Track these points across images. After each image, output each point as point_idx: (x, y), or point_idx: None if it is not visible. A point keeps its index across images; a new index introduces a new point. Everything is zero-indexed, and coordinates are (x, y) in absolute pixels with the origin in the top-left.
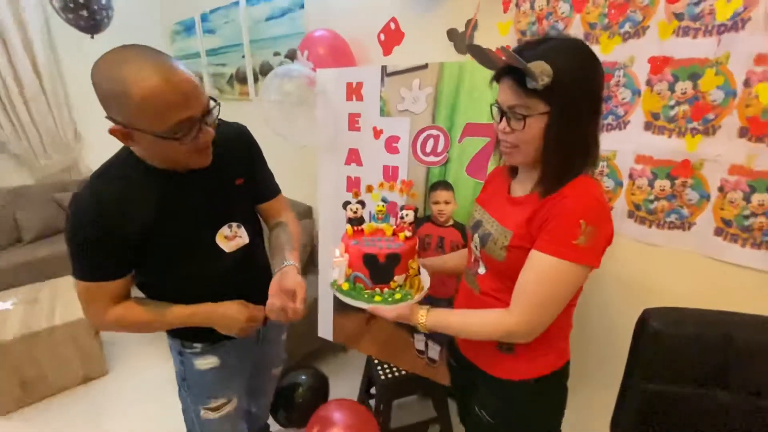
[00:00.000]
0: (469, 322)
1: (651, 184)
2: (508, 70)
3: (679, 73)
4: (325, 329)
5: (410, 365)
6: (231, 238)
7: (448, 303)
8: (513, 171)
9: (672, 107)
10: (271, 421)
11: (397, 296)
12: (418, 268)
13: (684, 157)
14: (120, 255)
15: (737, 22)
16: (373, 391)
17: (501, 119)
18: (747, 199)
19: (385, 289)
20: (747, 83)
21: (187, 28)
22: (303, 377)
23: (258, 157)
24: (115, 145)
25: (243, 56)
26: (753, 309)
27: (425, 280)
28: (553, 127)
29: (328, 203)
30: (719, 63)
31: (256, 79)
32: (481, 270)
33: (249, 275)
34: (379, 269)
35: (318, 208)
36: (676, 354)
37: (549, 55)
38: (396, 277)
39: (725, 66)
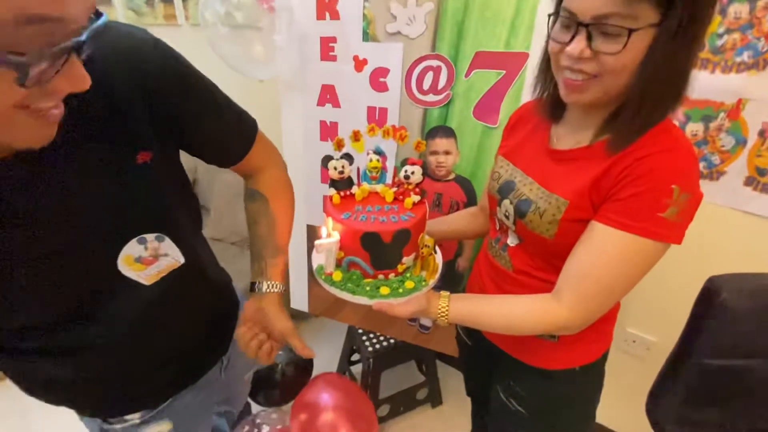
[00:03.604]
0: (504, 314)
1: (683, 128)
2: None
3: None
4: (299, 299)
5: (400, 333)
6: (149, 261)
7: (447, 265)
8: (555, 110)
9: (720, 35)
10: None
11: (409, 285)
12: (434, 245)
13: (728, 97)
14: None
15: None
16: (354, 357)
17: (573, 37)
18: None
19: (391, 276)
20: None
21: None
22: (280, 353)
23: (192, 102)
24: None
25: None
26: None
27: (438, 257)
28: (660, 47)
29: (296, 155)
30: None
31: None
32: (512, 241)
33: (188, 313)
34: (384, 251)
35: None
36: (750, 327)
37: None
38: (404, 259)
39: None
